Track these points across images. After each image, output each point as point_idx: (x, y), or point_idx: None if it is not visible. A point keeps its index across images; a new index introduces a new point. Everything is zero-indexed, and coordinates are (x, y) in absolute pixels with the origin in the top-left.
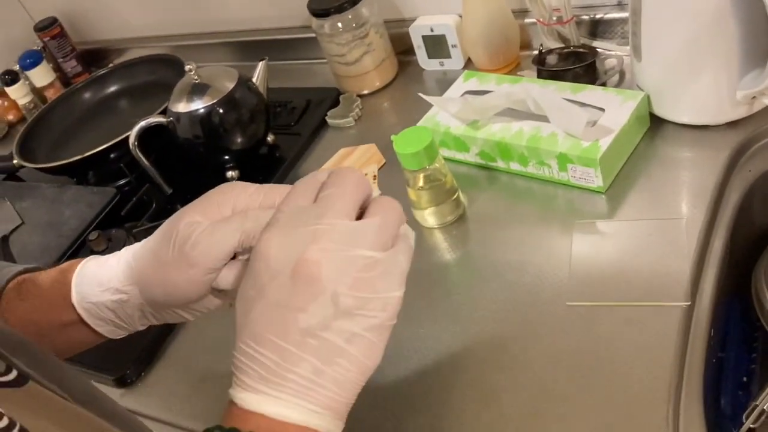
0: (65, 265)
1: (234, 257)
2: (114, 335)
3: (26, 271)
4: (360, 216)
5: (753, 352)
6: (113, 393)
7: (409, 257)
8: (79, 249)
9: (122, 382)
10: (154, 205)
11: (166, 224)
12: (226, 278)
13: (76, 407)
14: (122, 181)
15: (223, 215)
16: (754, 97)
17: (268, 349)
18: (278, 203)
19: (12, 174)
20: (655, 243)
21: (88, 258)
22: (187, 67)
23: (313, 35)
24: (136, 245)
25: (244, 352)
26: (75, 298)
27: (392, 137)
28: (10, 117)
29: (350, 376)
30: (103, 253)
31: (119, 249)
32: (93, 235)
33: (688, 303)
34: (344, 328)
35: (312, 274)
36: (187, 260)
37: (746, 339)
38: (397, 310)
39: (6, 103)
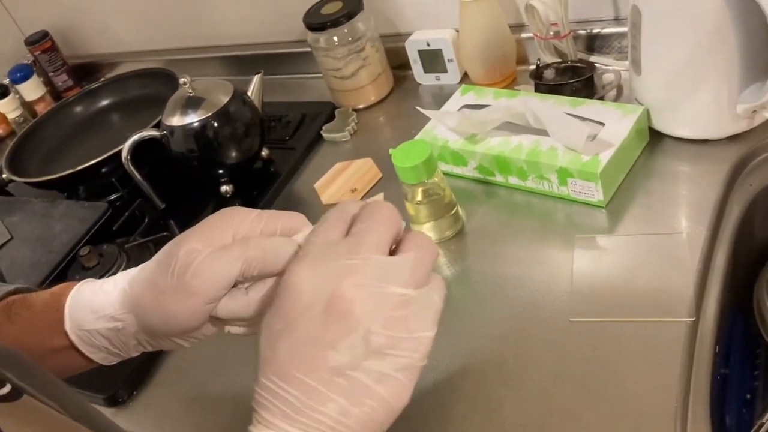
0: (58, 288)
1: (234, 285)
2: (106, 362)
3: (17, 291)
4: (392, 252)
5: (755, 368)
6: (104, 412)
7: (442, 296)
8: (69, 264)
9: (113, 401)
10: (146, 220)
11: (165, 251)
12: (226, 307)
13: (71, 422)
14: (114, 196)
15: (223, 242)
16: (754, 111)
17: (294, 387)
18: (278, 227)
19: (1, 189)
20: (658, 258)
21: (82, 282)
22: (181, 80)
23: (309, 49)
24: (133, 271)
25: (267, 388)
26: (68, 325)
27: (390, 151)
28: None
29: (377, 418)
30: (94, 269)
31: (111, 265)
32: (84, 251)
33: (693, 319)
34: (374, 367)
35: (345, 311)
36: (187, 289)
37: (749, 355)
38: (429, 351)
39: None
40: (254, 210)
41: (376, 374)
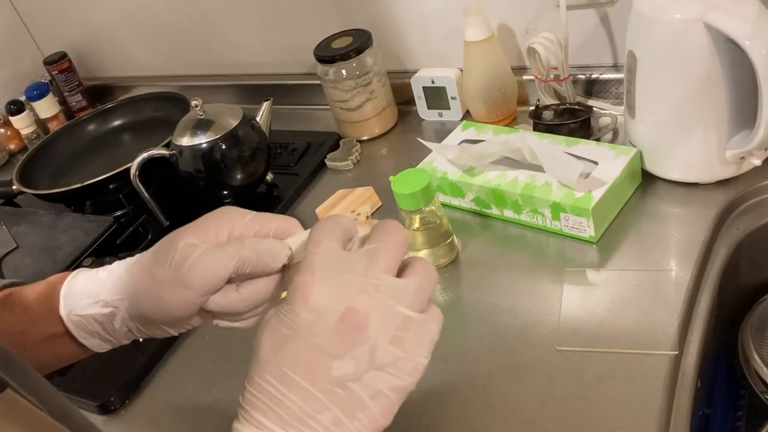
0: (53, 277)
1: (228, 281)
2: (99, 348)
3: (12, 284)
4: (397, 274)
5: (738, 410)
6: (96, 419)
7: (440, 326)
8: None
9: (106, 409)
10: (149, 236)
11: (163, 243)
12: (217, 301)
13: (51, 420)
14: (119, 212)
15: (219, 240)
16: (742, 157)
17: (294, 392)
18: (271, 231)
19: (10, 200)
20: (644, 293)
21: (77, 271)
22: (193, 103)
23: (317, 82)
24: (130, 260)
25: (263, 390)
26: (63, 311)
27: (390, 178)
28: (12, 146)
29: None
30: None
31: None
32: (87, 262)
33: (675, 352)
34: (371, 383)
35: (359, 324)
36: (182, 281)
37: (732, 396)
38: (420, 377)
39: (9, 132)
40: (250, 211)
41: (373, 390)
